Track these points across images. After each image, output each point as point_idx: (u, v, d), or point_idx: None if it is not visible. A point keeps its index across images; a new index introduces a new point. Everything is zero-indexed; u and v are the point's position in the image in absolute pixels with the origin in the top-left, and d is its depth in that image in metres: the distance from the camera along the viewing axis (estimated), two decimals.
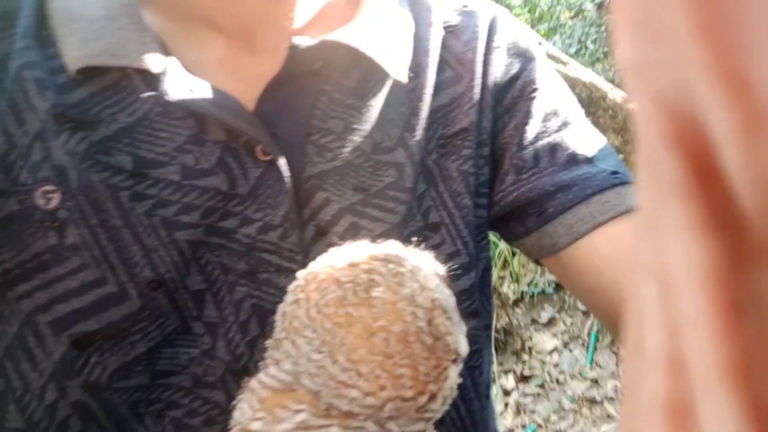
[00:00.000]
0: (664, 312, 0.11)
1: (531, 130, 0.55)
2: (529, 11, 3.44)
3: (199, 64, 0.50)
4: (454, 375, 0.39)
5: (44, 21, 0.48)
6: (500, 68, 0.56)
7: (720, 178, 0.09)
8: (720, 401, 0.09)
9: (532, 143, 0.55)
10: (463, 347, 0.40)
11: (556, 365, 2.22)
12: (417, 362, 0.36)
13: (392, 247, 0.41)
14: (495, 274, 2.43)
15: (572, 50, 3.05)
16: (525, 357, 2.28)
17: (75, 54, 0.46)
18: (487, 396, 0.59)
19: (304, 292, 0.38)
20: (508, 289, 2.43)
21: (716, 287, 0.09)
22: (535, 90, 0.56)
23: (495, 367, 2.25)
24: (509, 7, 3.38)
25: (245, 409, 0.37)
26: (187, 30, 0.50)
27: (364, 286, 0.37)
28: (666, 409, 0.11)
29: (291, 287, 0.40)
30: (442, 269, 0.42)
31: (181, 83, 0.47)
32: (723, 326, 0.09)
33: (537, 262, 0.59)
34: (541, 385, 2.19)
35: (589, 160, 0.54)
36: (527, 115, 0.55)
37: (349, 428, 0.35)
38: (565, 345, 2.27)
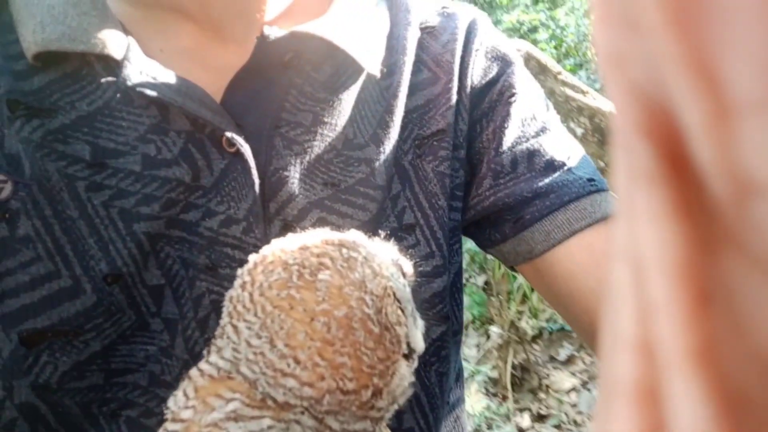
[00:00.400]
0: (636, 297, 0.11)
1: (509, 135, 0.54)
2: (555, 47, 3.44)
3: (165, 53, 0.49)
4: (405, 371, 0.36)
5: (5, 6, 0.47)
6: (478, 71, 0.55)
7: (691, 167, 0.10)
8: (687, 385, 0.10)
9: (510, 148, 0.53)
10: (418, 342, 0.37)
11: (574, 405, 2.14)
12: (361, 352, 0.33)
13: (352, 234, 0.38)
14: (513, 308, 2.37)
15: (597, 86, 3.03)
16: (542, 395, 2.20)
17: (33, 38, 0.44)
18: (449, 403, 0.56)
19: (251, 275, 0.36)
20: (527, 325, 2.37)
21: (685, 273, 0.10)
22: (513, 94, 0.55)
23: (510, 405, 2.18)
24: (535, 42, 3.38)
25: (179, 397, 0.35)
26: (154, 18, 0.49)
27: (311, 269, 0.35)
28: (636, 392, 0.11)
29: (240, 271, 0.37)
30: (406, 262, 0.40)
31: (144, 71, 0.45)
32: (690, 312, 0.10)
33: (512, 268, 0.57)
34: (558, 426, 2.11)
35: (567, 167, 0.53)
36: (505, 120, 0.54)
37: (282, 421, 0.32)
38: (584, 384, 2.19)
